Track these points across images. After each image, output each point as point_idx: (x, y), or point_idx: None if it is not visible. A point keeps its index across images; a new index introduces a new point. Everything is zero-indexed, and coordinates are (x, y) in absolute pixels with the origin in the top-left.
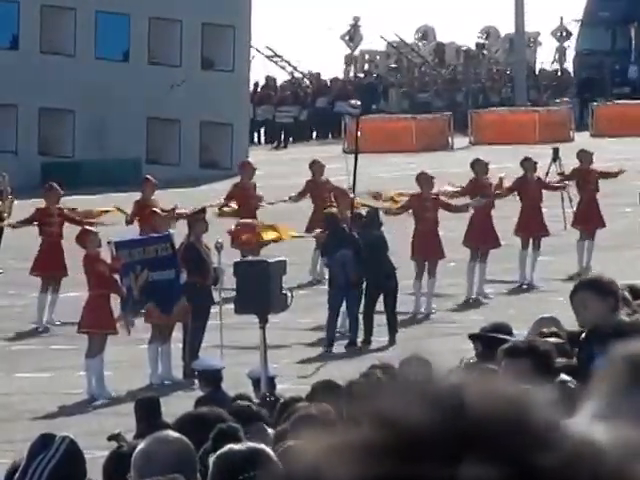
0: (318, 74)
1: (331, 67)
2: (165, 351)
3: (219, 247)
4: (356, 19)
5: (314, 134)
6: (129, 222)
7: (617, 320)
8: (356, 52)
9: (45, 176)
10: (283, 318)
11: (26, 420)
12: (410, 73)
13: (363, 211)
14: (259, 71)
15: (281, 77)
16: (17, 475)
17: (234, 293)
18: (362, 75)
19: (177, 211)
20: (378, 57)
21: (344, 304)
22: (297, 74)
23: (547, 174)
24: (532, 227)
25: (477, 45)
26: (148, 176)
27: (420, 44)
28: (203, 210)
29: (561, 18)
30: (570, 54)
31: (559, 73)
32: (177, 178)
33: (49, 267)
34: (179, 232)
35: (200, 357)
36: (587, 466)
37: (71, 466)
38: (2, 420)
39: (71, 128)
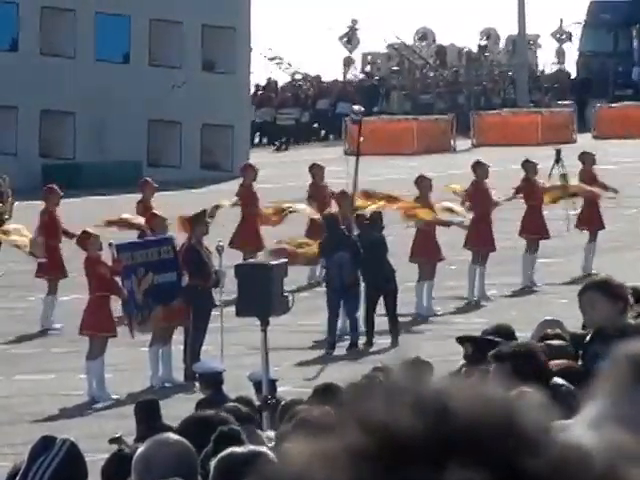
0: (319, 76)
1: (332, 69)
2: (166, 353)
3: (220, 249)
4: (354, 21)
5: (315, 136)
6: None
7: (623, 322)
8: (358, 54)
9: (46, 178)
10: (284, 320)
11: (27, 423)
12: (412, 75)
13: (367, 213)
14: (260, 73)
15: (282, 79)
16: (18, 478)
17: (235, 295)
18: (364, 77)
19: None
20: (379, 60)
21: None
22: (298, 76)
23: (549, 176)
24: (534, 229)
25: (479, 47)
26: (147, 179)
27: (420, 45)
28: (204, 212)
29: (561, 20)
30: (570, 56)
31: (570, 75)
32: (178, 180)
33: (55, 269)
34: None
35: (201, 360)
36: (575, 471)
37: (72, 469)
38: (2, 423)
39: (71, 130)
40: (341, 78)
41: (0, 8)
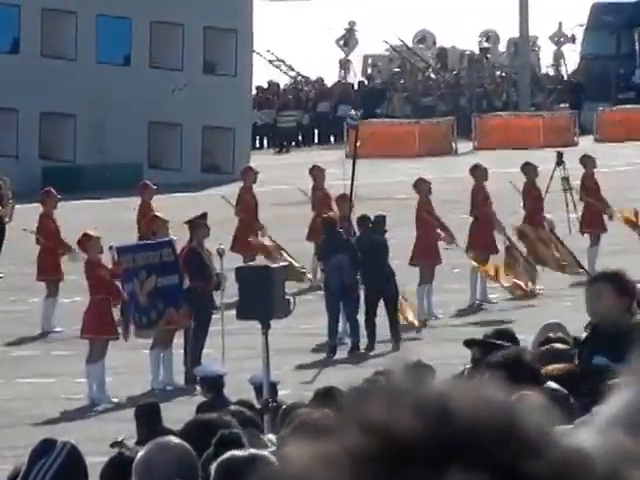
0: (320, 78)
1: (333, 71)
2: (167, 356)
3: (221, 252)
4: (351, 23)
5: (316, 138)
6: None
7: (623, 320)
8: (359, 56)
9: (46, 180)
10: (285, 324)
11: (27, 426)
12: (413, 77)
13: (371, 215)
14: (261, 75)
15: (283, 81)
16: None
17: (236, 298)
18: (365, 80)
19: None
20: (380, 62)
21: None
22: (299, 78)
23: (551, 178)
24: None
25: (480, 49)
26: (147, 182)
27: (420, 48)
28: (204, 215)
29: (560, 23)
30: (569, 58)
31: (564, 77)
32: (178, 183)
33: (54, 271)
34: (179, 237)
35: (202, 363)
36: (576, 473)
37: (72, 472)
38: (3, 426)
39: (72, 132)
40: (342, 81)
41: (1, 10)
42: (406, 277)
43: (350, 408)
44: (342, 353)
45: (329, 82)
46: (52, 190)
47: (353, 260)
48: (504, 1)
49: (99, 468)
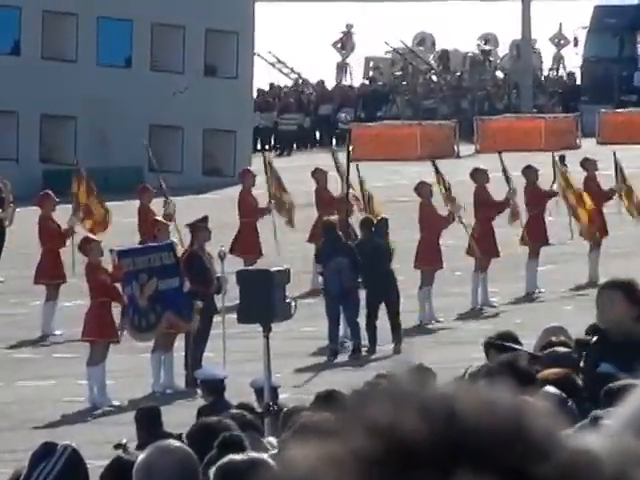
0: (322, 81)
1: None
2: (168, 360)
3: (222, 255)
4: (349, 26)
5: (318, 141)
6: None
7: (634, 329)
8: (360, 59)
9: (46, 183)
10: (286, 327)
11: (27, 429)
12: (415, 80)
13: (374, 218)
14: (263, 78)
15: (284, 84)
16: None
17: (237, 302)
18: (367, 82)
19: None
20: (382, 65)
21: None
22: (301, 81)
23: (553, 182)
24: (537, 236)
25: (482, 52)
26: (146, 185)
27: (421, 49)
28: (205, 218)
29: (560, 25)
30: (569, 61)
31: (567, 80)
32: (180, 186)
33: (54, 275)
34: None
35: (203, 366)
36: (584, 476)
37: (73, 475)
38: (3, 429)
39: (73, 135)
40: (341, 83)
41: (2, 12)
42: (408, 280)
43: (356, 410)
44: (343, 356)
45: (330, 85)
46: (50, 193)
47: (352, 263)
48: (503, 5)
49: (100, 472)
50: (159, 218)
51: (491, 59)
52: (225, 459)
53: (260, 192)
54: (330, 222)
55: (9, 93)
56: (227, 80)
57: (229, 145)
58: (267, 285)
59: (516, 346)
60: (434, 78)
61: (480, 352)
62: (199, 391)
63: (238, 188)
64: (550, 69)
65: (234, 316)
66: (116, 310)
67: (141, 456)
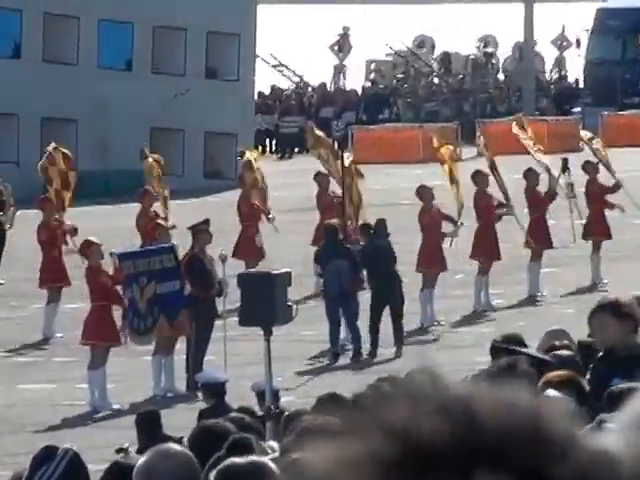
0: (323, 84)
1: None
2: (168, 363)
3: (223, 258)
4: (345, 29)
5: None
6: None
7: (634, 342)
8: (362, 61)
9: (47, 187)
10: (287, 330)
11: (28, 433)
12: (417, 82)
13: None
14: (264, 80)
15: (286, 86)
16: None
17: (238, 305)
18: (369, 84)
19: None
20: (383, 67)
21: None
22: (302, 83)
23: (556, 184)
24: (540, 239)
25: (484, 54)
26: (147, 187)
27: (422, 52)
28: (206, 221)
29: (562, 27)
30: (570, 63)
31: (561, 83)
32: (181, 189)
33: (57, 278)
34: (182, 243)
35: (204, 369)
36: (602, 476)
37: (74, 479)
38: (3, 432)
39: (73, 138)
40: (345, 86)
41: (3, 15)
42: (411, 283)
43: (373, 412)
44: (345, 359)
45: (330, 88)
46: (50, 196)
47: (352, 266)
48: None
49: (100, 475)
50: (160, 222)
51: (493, 62)
52: (226, 462)
53: None
54: (332, 225)
55: (10, 96)
56: (228, 83)
57: (230, 148)
58: (268, 288)
59: (524, 349)
60: (436, 81)
61: (481, 355)
62: (200, 394)
63: (239, 191)
64: (551, 71)
65: (235, 319)
66: (117, 313)
67: (141, 460)
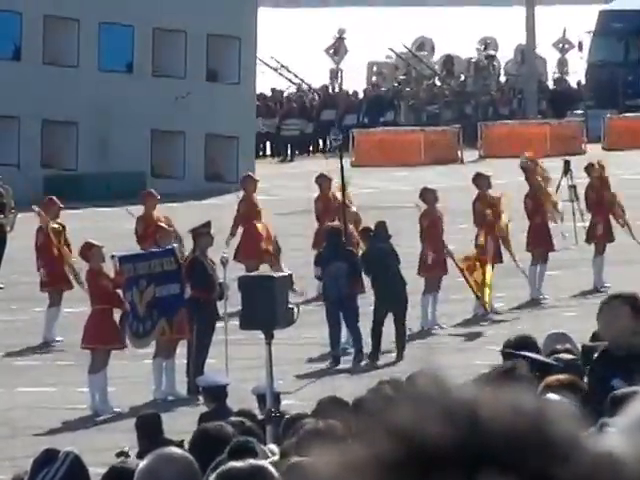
0: (325, 86)
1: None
2: (169, 366)
3: (224, 261)
4: (341, 32)
5: (320, 147)
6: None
7: (637, 341)
8: (356, 65)
9: (48, 189)
10: (288, 333)
11: (28, 436)
12: (418, 85)
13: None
14: (265, 83)
15: (286, 89)
16: None
17: (240, 308)
18: (370, 87)
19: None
20: (385, 70)
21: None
22: (304, 86)
23: (558, 187)
24: (542, 242)
25: (486, 57)
26: (151, 190)
27: (423, 54)
28: (208, 224)
29: (564, 29)
30: (573, 66)
31: (575, 86)
32: (182, 191)
33: (57, 281)
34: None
35: (205, 373)
36: (607, 478)
37: None
38: (4, 436)
39: (74, 140)
40: (342, 88)
41: (3, 17)
42: (413, 286)
43: (378, 415)
44: (346, 362)
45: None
46: (54, 198)
47: (352, 269)
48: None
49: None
50: (161, 225)
51: (495, 64)
52: (226, 466)
53: (263, 198)
54: (334, 227)
55: (10, 98)
56: (229, 85)
57: (231, 151)
58: (269, 291)
59: (530, 354)
60: (437, 83)
61: (483, 358)
62: (201, 398)
63: (241, 194)
64: (554, 73)
65: (236, 322)
66: (117, 316)
67: (142, 464)
